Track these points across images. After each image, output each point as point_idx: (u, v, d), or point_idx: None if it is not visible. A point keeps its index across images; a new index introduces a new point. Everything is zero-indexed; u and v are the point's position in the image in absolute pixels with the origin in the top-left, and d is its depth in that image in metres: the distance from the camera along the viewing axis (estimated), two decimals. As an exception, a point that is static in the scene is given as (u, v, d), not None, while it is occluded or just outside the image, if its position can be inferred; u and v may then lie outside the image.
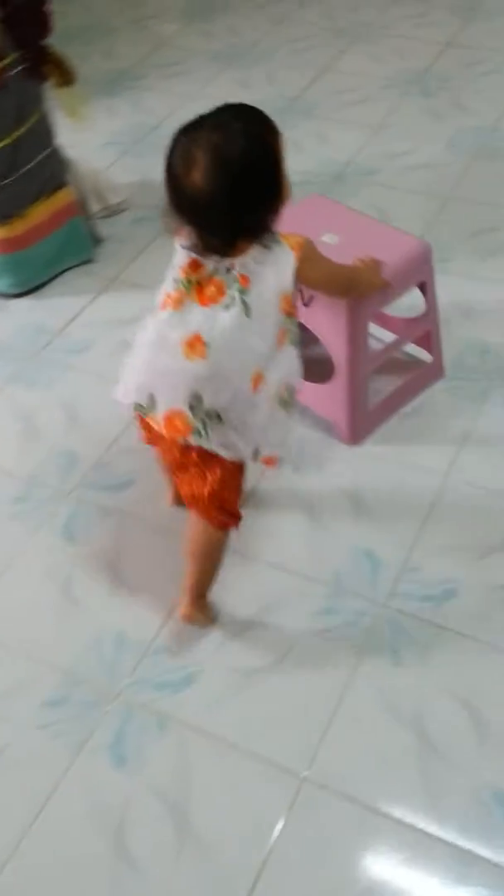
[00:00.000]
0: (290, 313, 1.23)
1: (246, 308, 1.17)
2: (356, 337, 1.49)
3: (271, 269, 1.18)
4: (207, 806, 1.26)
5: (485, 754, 1.27)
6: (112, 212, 2.30)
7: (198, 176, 1.10)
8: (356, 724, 1.31)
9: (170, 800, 1.26)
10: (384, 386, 1.65)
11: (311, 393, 1.52)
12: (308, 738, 1.30)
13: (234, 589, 1.47)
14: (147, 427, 1.30)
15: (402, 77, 2.72)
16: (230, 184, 1.10)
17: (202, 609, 1.43)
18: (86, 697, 1.38)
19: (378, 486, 1.61)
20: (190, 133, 1.13)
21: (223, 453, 1.23)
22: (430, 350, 1.71)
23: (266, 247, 1.18)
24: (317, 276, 1.27)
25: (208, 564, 1.38)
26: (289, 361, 1.25)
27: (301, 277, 1.22)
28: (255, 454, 1.27)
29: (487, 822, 1.20)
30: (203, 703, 1.36)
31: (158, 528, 1.59)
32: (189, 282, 1.19)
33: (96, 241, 2.23)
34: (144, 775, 1.29)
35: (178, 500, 1.48)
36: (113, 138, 2.63)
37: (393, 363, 1.69)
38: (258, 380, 1.21)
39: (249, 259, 1.17)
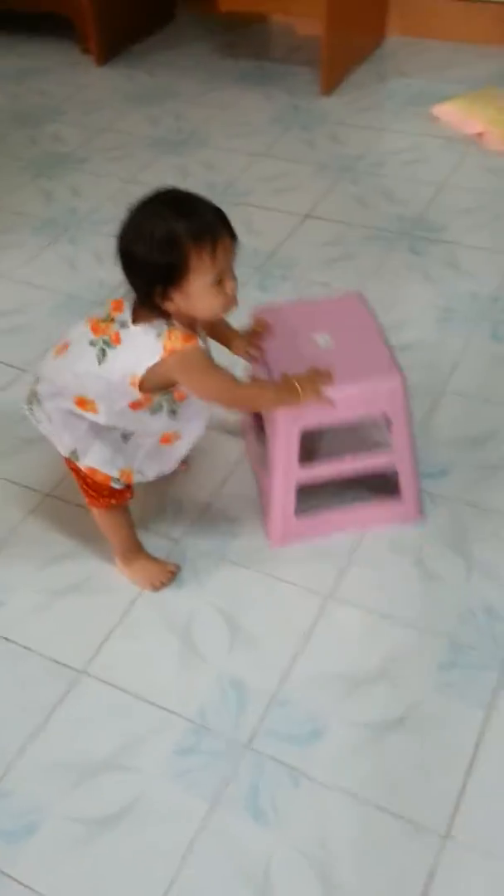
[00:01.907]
0: (154, 391, 1.30)
1: (102, 355, 1.28)
2: (284, 445, 1.43)
3: (132, 351, 1.26)
4: None
5: None
6: None
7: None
8: None
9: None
10: (337, 502, 1.56)
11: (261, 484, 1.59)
12: None
13: None
14: None
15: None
16: (122, 254, 1.23)
17: (128, 568, 1.49)
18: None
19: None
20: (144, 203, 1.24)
21: (45, 433, 1.40)
22: (399, 489, 1.53)
23: (153, 330, 1.25)
24: (190, 385, 1.30)
25: (108, 535, 1.48)
26: (136, 422, 1.34)
27: (174, 379, 1.28)
28: (74, 455, 1.36)
29: None
30: None
31: None
32: (106, 315, 1.31)
33: None
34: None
35: None
36: None
37: (364, 485, 1.56)
38: (84, 403, 1.32)
39: (137, 329, 1.26)
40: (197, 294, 1.21)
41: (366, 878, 1.09)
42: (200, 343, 1.28)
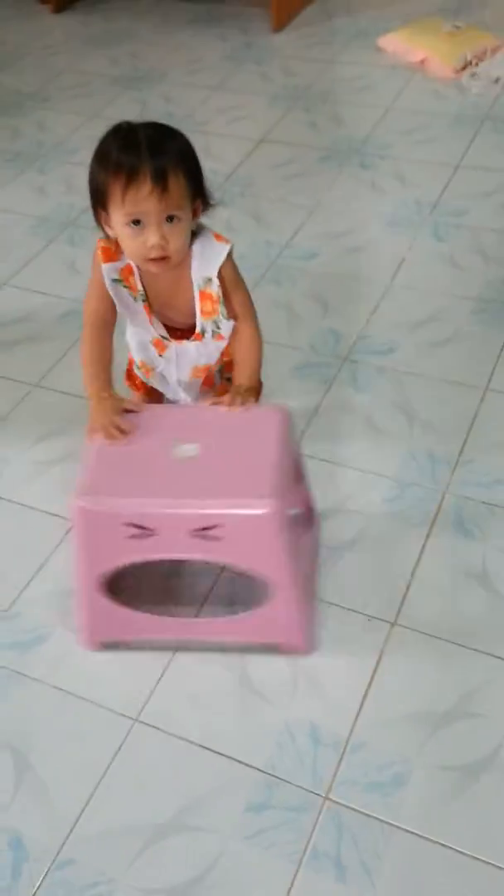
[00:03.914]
0: None
1: None
2: (287, 545, 1.18)
3: None
4: None
5: None
6: None
7: None
8: None
9: None
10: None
11: (243, 624, 1.28)
12: None
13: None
14: None
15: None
16: None
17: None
18: None
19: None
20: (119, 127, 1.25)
21: None
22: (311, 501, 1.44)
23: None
24: None
25: None
26: None
27: None
28: None
29: None
30: None
31: None
32: None
33: None
34: None
35: None
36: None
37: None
38: None
39: None
40: (117, 228, 1.24)
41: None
42: (111, 275, 1.31)
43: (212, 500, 1.15)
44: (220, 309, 1.35)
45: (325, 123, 2.60)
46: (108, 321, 1.35)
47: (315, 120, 2.62)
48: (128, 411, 1.28)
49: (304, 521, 1.41)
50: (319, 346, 1.83)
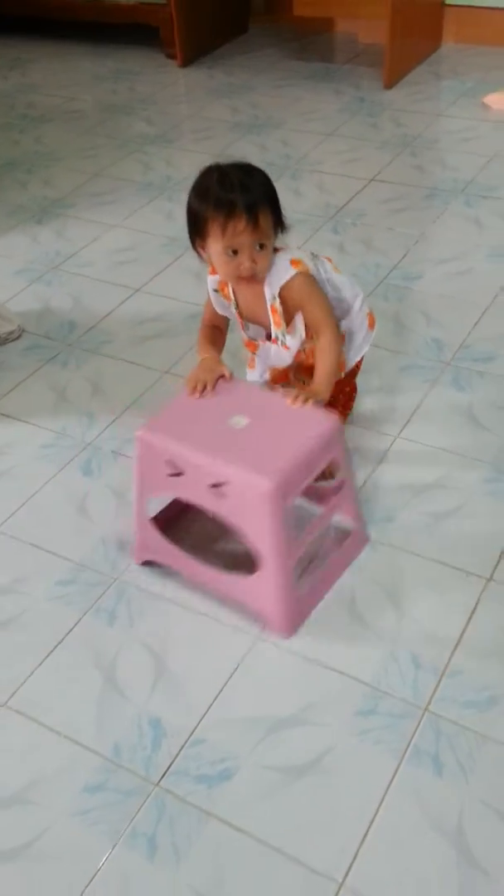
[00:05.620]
0: None
1: None
2: (279, 524, 1.32)
3: None
4: None
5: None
6: (2, 340, 2.23)
7: None
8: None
9: None
10: (312, 566, 1.51)
11: (236, 585, 1.43)
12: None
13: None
14: None
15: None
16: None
17: None
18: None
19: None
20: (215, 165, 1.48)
21: None
22: (353, 520, 1.54)
23: None
24: None
25: None
26: None
27: None
28: None
29: None
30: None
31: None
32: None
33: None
34: None
35: None
36: (28, 266, 2.55)
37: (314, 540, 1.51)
38: None
39: None
40: (214, 254, 1.47)
41: None
42: (212, 286, 1.59)
43: (225, 462, 1.32)
44: (282, 323, 1.57)
45: (431, 167, 2.83)
46: (217, 325, 1.65)
47: (422, 164, 2.86)
48: (222, 377, 1.48)
49: (334, 535, 1.53)
50: (423, 351, 2.02)
